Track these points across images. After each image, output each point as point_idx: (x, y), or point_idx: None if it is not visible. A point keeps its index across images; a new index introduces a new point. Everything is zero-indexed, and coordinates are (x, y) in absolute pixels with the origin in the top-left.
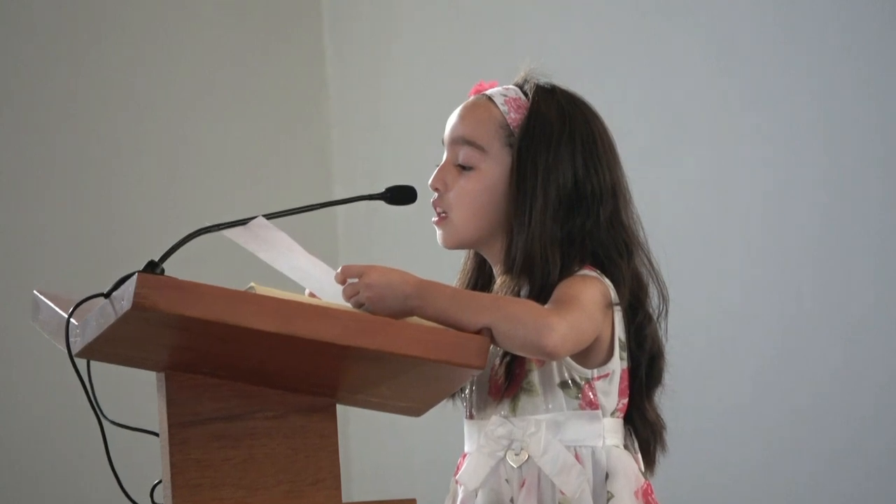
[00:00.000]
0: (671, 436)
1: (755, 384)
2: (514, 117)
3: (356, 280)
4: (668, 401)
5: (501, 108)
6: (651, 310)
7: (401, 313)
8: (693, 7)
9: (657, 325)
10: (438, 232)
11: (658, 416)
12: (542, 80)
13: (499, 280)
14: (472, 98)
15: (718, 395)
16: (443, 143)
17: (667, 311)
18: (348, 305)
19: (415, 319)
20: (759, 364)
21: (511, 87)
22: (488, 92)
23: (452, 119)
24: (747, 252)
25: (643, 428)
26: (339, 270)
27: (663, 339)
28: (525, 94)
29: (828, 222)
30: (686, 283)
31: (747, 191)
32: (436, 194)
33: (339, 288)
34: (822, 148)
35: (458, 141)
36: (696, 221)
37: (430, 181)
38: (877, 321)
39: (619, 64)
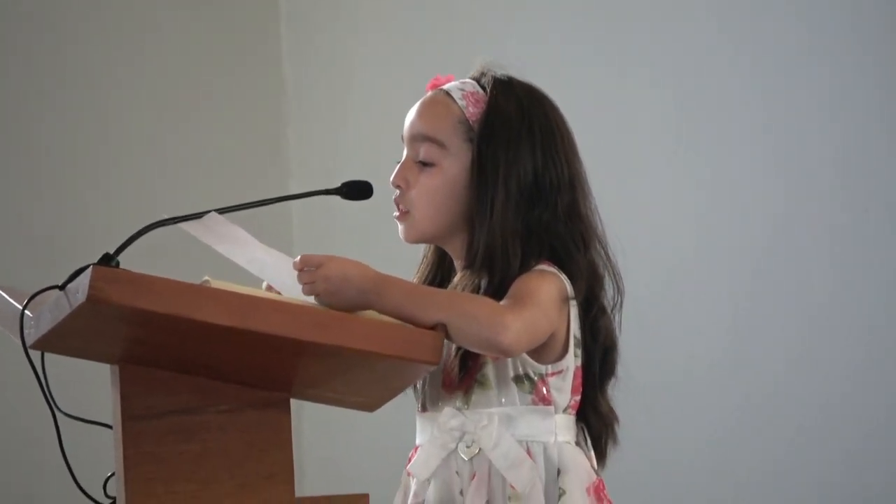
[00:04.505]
0: (624, 429)
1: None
2: (473, 112)
3: (314, 269)
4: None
5: (459, 102)
6: (605, 302)
7: (356, 307)
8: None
9: (611, 317)
10: (400, 227)
11: (611, 408)
12: (500, 73)
13: (459, 274)
14: (429, 93)
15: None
16: (402, 139)
17: (622, 303)
18: (307, 298)
19: (371, 313)
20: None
21: (468, 80)
22: (446, 87)
23: (411, 115)
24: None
25: (596, 422)
26: (297, 259)
27: (617, 332)
28: (483, 87)
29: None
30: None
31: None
32: (397, 191)
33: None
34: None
35: (417, 138)
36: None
37: (391, 178)
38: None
39: (584, 63)
